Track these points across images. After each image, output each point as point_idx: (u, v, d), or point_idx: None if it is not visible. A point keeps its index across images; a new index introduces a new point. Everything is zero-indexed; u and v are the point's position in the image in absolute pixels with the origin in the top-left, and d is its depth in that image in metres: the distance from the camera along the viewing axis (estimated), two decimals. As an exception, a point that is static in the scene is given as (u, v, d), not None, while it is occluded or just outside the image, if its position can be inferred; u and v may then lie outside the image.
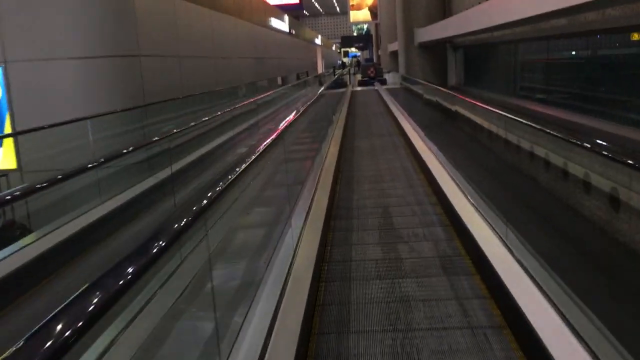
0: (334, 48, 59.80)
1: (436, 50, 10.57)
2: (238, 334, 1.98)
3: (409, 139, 8.58)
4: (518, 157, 4.80)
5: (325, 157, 6.95)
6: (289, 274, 2.84)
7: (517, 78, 8.74)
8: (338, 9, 57.94)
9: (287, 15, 18.80)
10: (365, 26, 45.07)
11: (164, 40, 6.82)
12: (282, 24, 16.96)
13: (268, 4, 15.71)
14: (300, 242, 3.57)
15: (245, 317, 2.14)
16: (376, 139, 9.51)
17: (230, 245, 2.79)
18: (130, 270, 1.05)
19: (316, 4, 58.33)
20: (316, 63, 35.39)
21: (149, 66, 5.90)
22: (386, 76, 25.27)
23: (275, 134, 3.15)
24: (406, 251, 3.72)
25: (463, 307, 2.75)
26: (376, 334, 2.53)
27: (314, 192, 4.96)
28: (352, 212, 4.92)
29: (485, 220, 3.63)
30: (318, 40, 37.41)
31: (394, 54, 22.54)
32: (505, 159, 4.51)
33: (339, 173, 6.70)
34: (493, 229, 3.39)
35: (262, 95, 9.07)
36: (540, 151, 4.75)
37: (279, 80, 20.27)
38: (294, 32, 20.02)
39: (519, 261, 2.81)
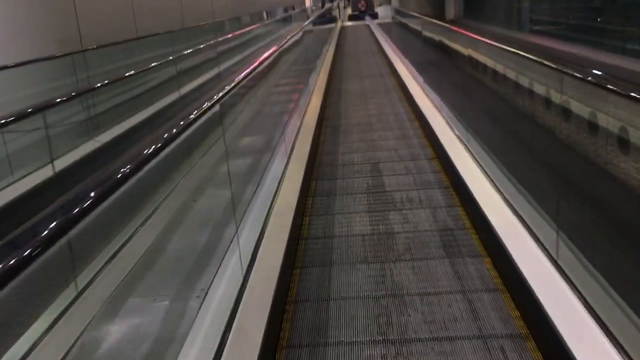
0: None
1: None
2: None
3: (402, 81, 7.84)
4: (533, 103, 4.14)
5: (309, 103, 6.25)
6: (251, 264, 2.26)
7: (525, 8, 7.89)
8: None
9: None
10: (355, -45, 42.44)
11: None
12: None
13: None
14: (274, 206, 2.99)
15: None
16: (367, 80, 8.73)
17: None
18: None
19: None
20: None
21: (88, 3, 4.90)
22: (377, 10, 23.87)
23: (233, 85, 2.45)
24: (399, 222, 3.14)
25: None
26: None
27: (293, 143, 4.33)
28: (336, 169, 4.29)
29: (497, 188, 3.03)
30: (305, -29, 35.20)
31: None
32: (520, 106, 3.86)
33: (323, 121, 6.01)
34: (508, 203, 2.80)
35: (224, 37, 7.98)
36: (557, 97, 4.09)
37: (265, 15, 18.97)
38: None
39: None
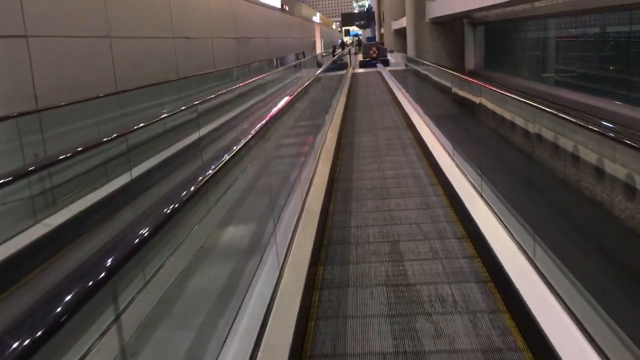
0: (334, 27, 58.24)
1: (452, 27, 9.24)
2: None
3: (419, 135, 7.33)
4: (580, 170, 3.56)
5: (317, 161, 5.70)
6: None
7: (551, 60, 7.43)
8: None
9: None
10: (367, 3, 43.40)
11: (78, 13, 5.11)
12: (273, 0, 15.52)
13: None
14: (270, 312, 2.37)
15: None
16: (381, 133, 8.26)
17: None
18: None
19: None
20: (315, 43, 33.86)
21: (49, 51, 4.36)
22: (389, 56, 23.88)
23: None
24: (429, 335, 2.50)
25: None
26: None
27: (297, 220, 3.73)
28: (348, 250, 3.68)
29: (557, 295, 2.40)
30: (316, 18, 35.84)
31: (399, 32, 21.11)
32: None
33: (333, 183, 5.46)
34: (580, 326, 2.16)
35: (224, 91, 7.00)
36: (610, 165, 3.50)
37: (275, 62, 18.90)
38: (287, 9, 18.57)
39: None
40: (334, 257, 3.57)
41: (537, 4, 6.09)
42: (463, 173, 4.70)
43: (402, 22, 17.91)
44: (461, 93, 6.62)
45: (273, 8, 15.94)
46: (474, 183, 4.33)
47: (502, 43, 8.53)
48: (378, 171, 5.96)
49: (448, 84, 7.11)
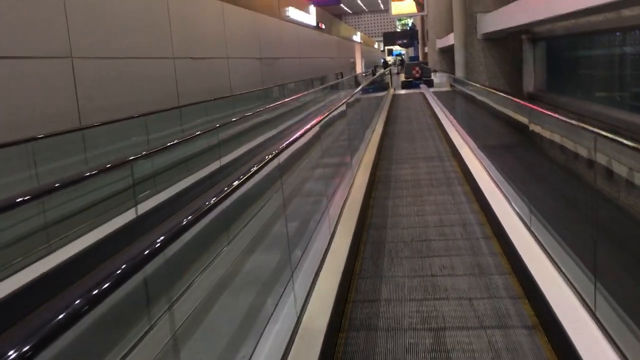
0: (376, 46, 57.83)
1: (507, 44, 8.28)
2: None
3: (467, 168, 6.37)
4: None
5: (346, 200, 4.82)
6: None
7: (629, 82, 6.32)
8: (382, 5, 57.08)
9: (316, 6, 16.77)
10: (410, 21, 42.67)
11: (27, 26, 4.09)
12: (305, 16, 14.90)
13: None
14: None
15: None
16: (422, 165, 7.31)
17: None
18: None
19: (359, 1, 57.17)
20: (354, 63, 33.31)
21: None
22: (433, 77, 22.88)
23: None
24: None
25: None
26: None
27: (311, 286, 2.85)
28: (375, 341, 2.78)
29: None
30: (357, 37, 35.35)
31: (444, 51, 20.14)
32: None
33: (362, 232, 4.56)
34: None
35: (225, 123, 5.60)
36: None
37: (312, 83, 18.26)
38: (323, 27, 17.98)
39: None
40: (355, 353, 2.66)
41: (626, 13, 5.05)
42: (531, 232, 3.71)
43: (449, 40, 16.98)
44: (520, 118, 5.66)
45: (307, 26, 15.34)
46: (546, 247, 3.33)
47: (571, 61, 7.48)
48: (418, 215, 5.02)
49: (507, 112, 6.13)
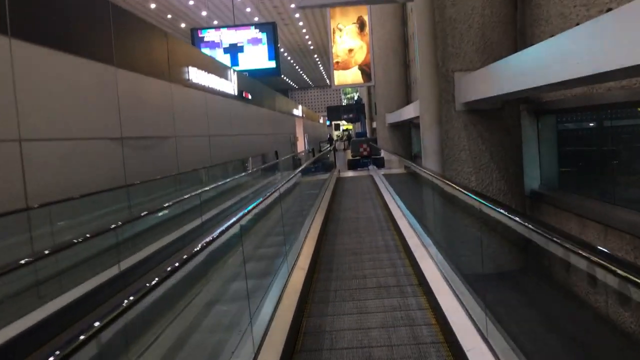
0: (321, 121, 56.52)
1: (500, 118, 5.48)
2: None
3: (442, 314, 3.21)
4: None
5: None
6: None
7: None
8: (327, 81, 56.84)
9: (236, 73, 13.91)
10: (356, 95, 41.38)
11: None
12: (219, 82, 11.96)
13: (193, 49, 10.75)
14: None
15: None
16: (376, 320, 4.03)
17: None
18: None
19: (304, 76, 56.66)
20: (296, 139, 30.83)
21: None
22: (383, 154, 20.27)
23: None
24: None
25: None
26: None
27: None
28: None
29: None
30: (298, 111, 33.13)
31: (395, 127, 17.76)
32: None
33: None
34: None
35: None
36: None
37: (249, 162, 15.12)
38: (249, 97, 15.12)
39: None
40: None
41: None
42: None
43: (403, 114, 14.48)
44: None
45: (222, 94, 12.35)
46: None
47: (601, 143, 4.73)
48: None
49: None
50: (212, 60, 12.17)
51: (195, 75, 9.91)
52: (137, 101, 7.23)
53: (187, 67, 9.55)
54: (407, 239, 6.43)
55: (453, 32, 5.51)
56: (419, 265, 5.29)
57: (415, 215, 7.35)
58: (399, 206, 8.87)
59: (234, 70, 13.49)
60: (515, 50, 5.51)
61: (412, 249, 5.95)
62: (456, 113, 5.54)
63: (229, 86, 12.64)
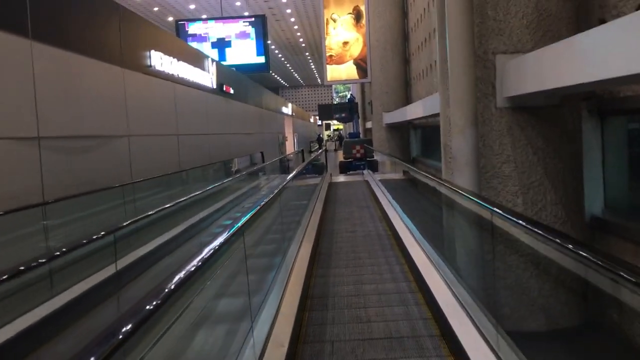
0: (312, 120, 55.02)
1: (560, 119, 3.97)
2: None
3: None
4: None
5: None
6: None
7: None
8: (319, 80, 55.58)
9: (215, 63, 12.33)
10: (348, 93, 39.86)
11: None
12: (193, 72, 10.37)
13: (158, 30, 9.12)
14: None
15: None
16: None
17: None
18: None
19: (295, 74, 55.24)
20: (285, 139, 29.28)
21: None
22: (376, 156, 18.71)
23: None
24: None
25: None
26: None
27: None
28: None
29: None
30: (287, 110, 31.58)
31: (394, 128, 16.31)
32: None
33: None
34: None
35: None
36: None
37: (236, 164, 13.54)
38: (230, 91, 13.54)
39: None
40: None
41: None
42: None
43: (408, 113, 13.01)
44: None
45: (197, 87, 10.77)
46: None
47: None
48: None
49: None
50: (183, 45, 10.55)
51: (161, 61, 8.33)
52: (68, 88, 5.60)
53: (149, 51, 7.96)
54: (427, 281, 4.91)
55: (495, 0, 4.03)
56: (447, 322, 3.81)
57: (430, 239, 5.85)
58: (410, 231, 7.30)
59: (213, 61, 11.90)
60: (576, 26, 4.06)
61: (432, 289, 4.45)
62: (497, 111, 4.06)
63: (206, 78, 11.06)
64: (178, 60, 9.20)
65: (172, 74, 8.94)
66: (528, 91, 3.54)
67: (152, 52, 8.00)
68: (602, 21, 3.99)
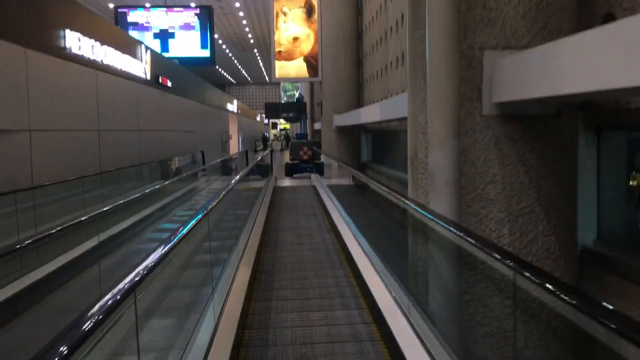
0: (259, 118, 53.79)
1: (558, 131, 3.22)
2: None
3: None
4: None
5: None
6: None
7: None
8: (267, 78, 54.38)
9: (149, 51, 11.11)
10: (296, 92, 38.98)
11: None
12: (125, 61, 9.15)
13: (77, 5, 7.79)
14: None
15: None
16: None
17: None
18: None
19: (243, 71, 53.69)
20: (229, 137, 28.03)
21: None
22: (323, 159, 17.93)
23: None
24: None
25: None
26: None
27: None
28: None
29: None
30: (233, 106, 30.32)
31: (344, 130, 15.60)
32: None
33: None
34: None
35: None
36: None
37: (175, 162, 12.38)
38: (168, 84, 12.34)
39: None
40: None
41: None
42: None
43: (364, 115, 12.29)
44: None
45: (128, 77, 9.55)
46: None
47: None
48: None
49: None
50: (110, 27, 9.16)
51: (79, 44, 7.12)
52: None
53: (64, 29, 6.74)
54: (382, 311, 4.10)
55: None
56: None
57: (387, 261, 5.05)
58: (363, 249, 6.49)
59: (147, 48, 10.67)
60: (578, 18, 3.37)
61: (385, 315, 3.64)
62: (482, 120, 3.30)
63: (139, 67, 9.84)
64: (102, 44, 7.96)
65: (94, 60, 7.71)
66: (532, 96, 2.77)
67: (68, 31, 6.77)
68: (609, 15, 3.31)
